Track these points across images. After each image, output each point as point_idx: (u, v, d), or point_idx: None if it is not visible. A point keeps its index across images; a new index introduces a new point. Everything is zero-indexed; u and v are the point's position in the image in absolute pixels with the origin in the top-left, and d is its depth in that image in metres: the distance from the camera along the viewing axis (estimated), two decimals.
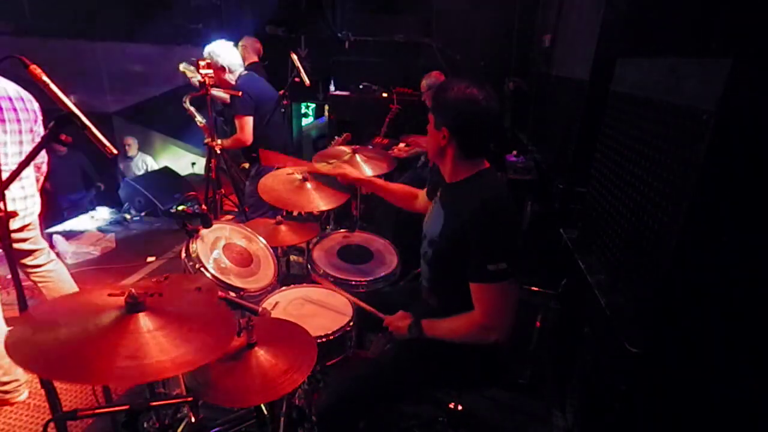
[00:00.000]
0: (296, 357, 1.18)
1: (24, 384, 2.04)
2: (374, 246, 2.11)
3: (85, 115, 1.23)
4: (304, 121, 6.28)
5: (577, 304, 1.80)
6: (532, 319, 2.18)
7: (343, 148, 2.48)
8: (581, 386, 1.80)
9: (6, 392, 1.99)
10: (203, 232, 1.65)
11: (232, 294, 1.51)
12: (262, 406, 1.34)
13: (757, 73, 0.88)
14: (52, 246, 2.33)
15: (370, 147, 3.41)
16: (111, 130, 6.00)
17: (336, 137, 3.64)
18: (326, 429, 1.39)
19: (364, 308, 1.56)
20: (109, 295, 1.03)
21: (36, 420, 1.97)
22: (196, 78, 3.18)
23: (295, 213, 2.32)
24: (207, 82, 2.84)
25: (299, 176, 2.07)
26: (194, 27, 5.30)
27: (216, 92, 3.18)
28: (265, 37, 4.33)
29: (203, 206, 2.29)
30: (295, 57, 2.84)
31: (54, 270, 2.24)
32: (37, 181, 2.11)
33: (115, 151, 1.34)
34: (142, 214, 4.43)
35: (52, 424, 1.25)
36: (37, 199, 2.10)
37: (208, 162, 3.16)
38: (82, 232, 3.91)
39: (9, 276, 1.26)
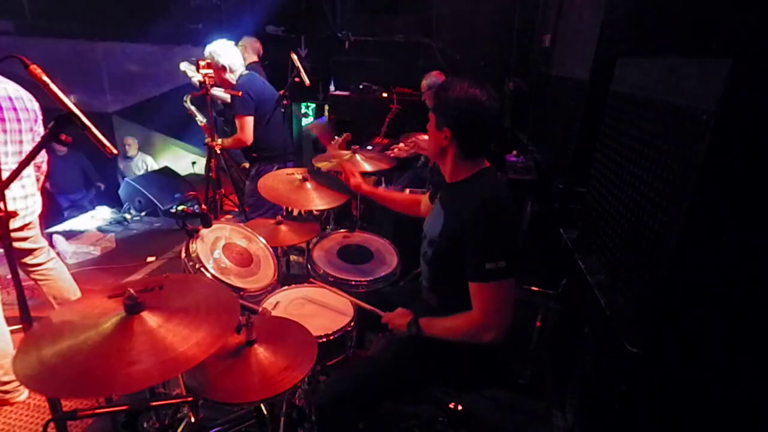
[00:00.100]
0: (296, 354, 1.18)
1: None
2: (374, 246, 2.11)
3: (85, 115, 1.24)
4: (304, 121, 6.28)
5: (577, 304, 1.80)
6: (532, 319, 2.18)
7: (341, 152, 2.49)
8: (581, 386, 1.79)
9: (6, 392, 1.99)
10: (203, 232, 1.65)
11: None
12: (262, 406, 1.34)
13: (757, 73, 0.88)
14: (52, 246, 2.32)
15: (370, 147, 3.42)
16: (111, 130, 6.01)
17: (336, 137, 3.65)
18: (326, 429, 1.39)
19: (363, 307, 1.56)
20: (110, 297, 1.03)
21: (36, 420, 1.97)
22: (196, 78, 3.18)
23: (295, 212, 2.32)
24: (207, 82, 2.85)
25: (299, 176, 2.07)
26: (194, 27, 5.30)
27: (216, 92, 3.18)
28: (265, 37, 4.33)
29: (203, 206, 2.30)
30: (295, 57, 2.84)
31: (54, 268, 2.24)
32: (38, 180, 2.12)
33: (115, 151, 1.34)
34: (142, 214, 4.43)
35: (52, 424, 1.25)
36: (38, 199, 2.10)
37: (208, 162, 3.16)
38: (82, 232, 3.91)
39: (9, 276, 1.26)
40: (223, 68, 2.90)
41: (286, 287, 1.75)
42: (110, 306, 1.01)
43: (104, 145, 1.30)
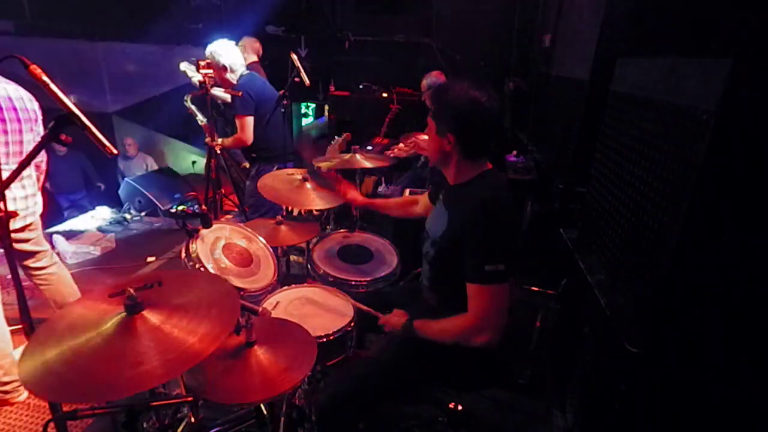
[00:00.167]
0: (296, 355, 1.18)
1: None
2: (374, 246, 2.11)
3: (85, 115, 1.23)
4: (304, 121, 6.28)
5: (577, 304, 1.80)
6: (532, 319, 2.18)
7: (340, 155, 2.49)
8: (581, 386, 1.79)
9: (6, 392, 1.99)
10: (203, 232, 1.65)
11: None
12: (262, 406, 1.34)
13: (757, 73, 0.88)
14: (52, 246, 2.32)
15: (370, 147, 3.42)
16: (111, 130, 6.01)
17: (336, 137, 3.65)
18: (326, 429, 1.39)
19: (360, 308, 1.56)
20: (110, 296, 1.02)
21: (36, 420, 1.97)
22: (196, 78, 3.18)
23: (295, 212, 2.32)
24: (207, 82, 2.85)
25: (299, 176, 2.07)
26: (194, 27, 5.30)
27: (216, 92, 3.18)
28: (265, 37, 4.33)
29: (203, 206, 2.30)
30: (295, 57, 2.84)
31: (56, 273, 2.24)
32: (37, 179, 2.12)
33: (115, 151, 1.34)
34: (142, 214, 4.43)
35: (52, 424, 1.25)
36: (39, 199, 2.10)
37: (209, 162, 3.17)
38: (82, 232, 3.91)
39: (9, 276, 1.26)
40: (224, 68, 2.90)
41: (286, 287, 1.75)
42: (110, 306, 1.00)
43: (104, 145, 1.30)
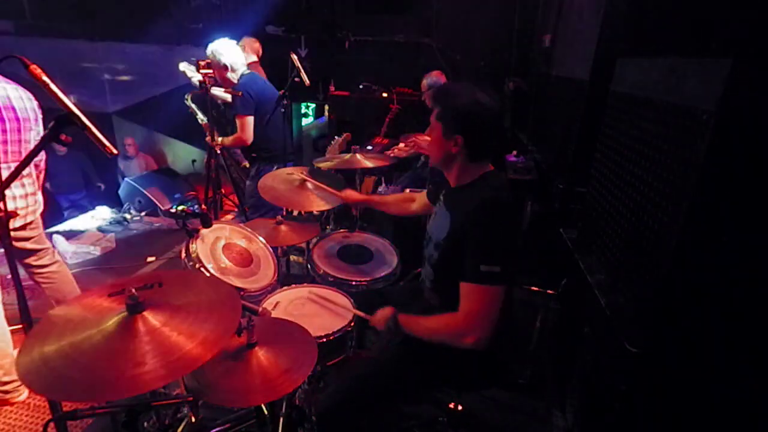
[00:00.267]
0: (296, 357, 1.18)
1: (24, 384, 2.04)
2: (374, 246, 2.11)
3: (85, 115, 1.24)
4: (304, 121, 6.28)
5: (577, 304, 1.80)
6: (532, 319, 2.18)
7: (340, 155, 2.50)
8: (581, 386, 1.79)
9: (6, 392, 1.99)
10: (203, 232, 1.65)
11: None
12: (262, 406, 1.34)
13: (757, 73, 0.88)
14: (52, 246, 2.33)
15: (370, 147, 3.42)
16: (111, 130, 6.01)
17: (336, 137, 3.65)
18: (326, 429, 1.39)
19: (357, 314, 1.55)
20: (110, 295, 1.02)
21: (36, 420, 1.97)
22: (196, 78, 3.18)
23: (295, 213, 2.32)
24: (207, 82, 2.85)
25: (299, 176, 2.07)
26: (194, 27, 5.30)
27: (216, 92, 3.18)
28: (265, 37, 4.33)
29: (203, 206, 2.30)
30: (295, 57, 2.84)
31: (58, 272, 2.25)
32: (37, 178, 2.12)
33: (115, 151, 1.34)
34: (142, 214, 4.43)
35: (52, 424, 1.25)
36: (39, 198, 2.10)
37: (209, 161, 3.17)
38: (82, 232, 3.91)
39: (9, 276, 1.26)
40: (225, 67, 2.90)
41: (286, 287, 1.75)
42: (111, 305, 1.00)
43: (104, 145, 1.30)
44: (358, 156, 2.33)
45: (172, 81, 5.31)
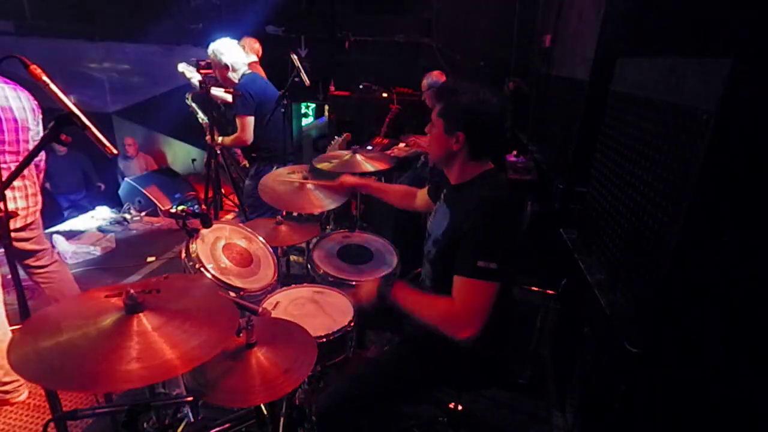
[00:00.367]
0: (296, 357, 1.18)
1: (24, 384, 2.05)
2: (374, 246, 2.11)
3: (85, 115, 1.24)
4: (304, 121, 6.28)
5: (577, 304, 1.80)
6: (532, 319, 2.18)
7: (340, 152, 2.49)
8: (581, 386, 1.80)
9: (6, 392, 1.99)
10: (203, 232, 1.65)
11: (232, 294, 1.51)
12: (262, 406, 1.34)
13: (757, 73, 0.88)
14: (51, 245, 2.33)
15: (370, 147, 3.42)
16: (111, 130, 6.01)
17: (336, 137, 3.65)
18: (326, 429, 1.39)
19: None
20: (107, 296, 1.03)
21: (36, 420, 1.97)
22: (195, 78, 3.18)
23: (295, 213, 2.32)
24: (207, 82, 2.85)
25: (299, 177, 2.07)
26: (194, 27, 5.30)
27: (216, 92, 3.18)
28: (265, 37, 4.33)
29: (203, 206, 2.30)
30: (295, 57, 2.84)
31: (57, 271, 2.25)
32: (37, 178, 2.12)
33: (115, 151, 1.34)
34: (142, 214, 4.44)
35: (52, 424, 1.25)
36: (39, 198, 2.10)
37: (209, 161, 3.17)
38: (82, 232, 3.91)
39: (9, 276, 1.26)
40: (226, 67, 2.90)
41: (286, 287, 1.75)
42: (110, 304, 1.01)
43: (104, 145, 1.30)
44: (358, 156, 2.33)
45: (172, 81, 5.31)
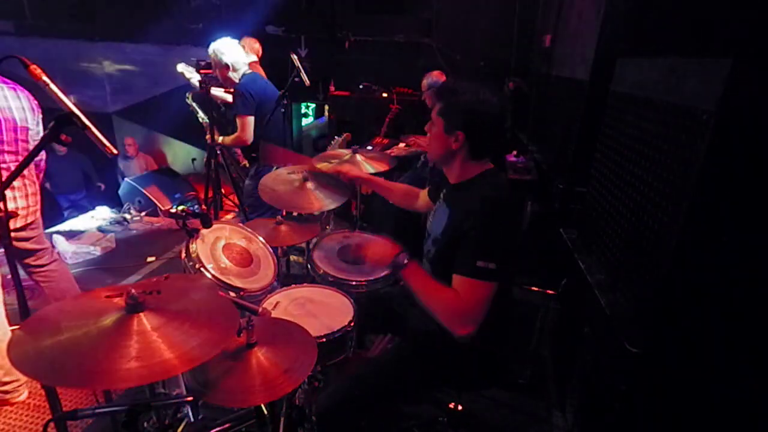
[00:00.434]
0: (296, 357, 1.18)
1: (24, 384, 2.05)
2: None
3: (85, 115, 1.24)
4: (304, 121, 6.28)
5: (577, 304, 1.80)
6: (532, 319, 2.17)
7: (341, 150, 2.49)
8: (581, 386, 1.80)
9: (6, 392, 1.99)
10: (203, 232, 1.65)
11: (232, 294, 1.51)
12: (262, 406, 1.34)
13: (757, 73, 0.88)
14: (51, 245, 2.33)
15: (370, 147, 3.42)
16: (111, 130, 6.02)
17: (336, 137, 3.65)
18: (326, 429, 1.39)
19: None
20: (107, 297, 1.03)
21: (36, 420, 1.97)
22: (195, 78, 3.19)
23: (295, 213, 2.32)
24: (207, 82, 2.85)
25: (299, 176, 2.07)
26: (194, 27, 5.31)
27: (216, 92, 3.18)
28: (265, 37, 4.33)
29: (203, 206, 2.30)
30: (295, 57, 2.85)
31: (57, 270, 2.25)
32: (37, 177, 2.12)
33: (115, 151, 1.34)
34: (142, 214, 4.44)
35: (52, 424, 1.25)
36: (39, 197, 2.10)
37: (209, 161, 3.17)
38: (82, 232, 3.91)
39: (9, 276, 1.26)
40: (227, 67, 2.90)
41: (286, 287, 1.75)
42: (111, 303, 1.01)
43: (104, 145, 1.30)
44: (358, 156, 2.33)
45: (172, 81, 5.31)
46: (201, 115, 3.44)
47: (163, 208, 4.41)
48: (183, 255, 1.57)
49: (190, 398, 1.20)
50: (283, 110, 2.90)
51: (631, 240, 1.30)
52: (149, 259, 3.53)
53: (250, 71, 3.03)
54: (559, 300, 2.14)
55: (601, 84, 1.69)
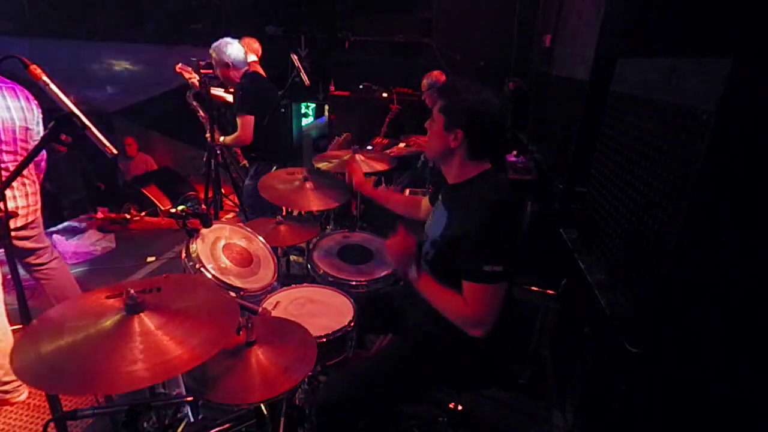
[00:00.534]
0: (296, 355, 1.18)
1: (24, 384, 2.05)
2: (374, 246, 2.11)
3: (85, 115, 1.24)
4: (304, 121, 6.28)
5: (577, 304, 1.80)
6: (532, 319, 2.17)
7: (340, 151, 2.49)
8: (581, 386, 1.80)
9: (6, 392, 2.00)
10: (203, 232, 1.65)
11: (232, 294, 1.51)
12: (262, 405, 1.34)
13: (757, 73, 0.88)
14: (52, 244, 2.33)
15: (370, 147, 3.42)
16: (111, 130, 6.01)
17: (336, 137, 3.65)
18: (326, 429, 1.39)
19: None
20: (107, 297, 1.03)
21: (36, 420, 1.97)
22: (194, 78, 3.19)
23: (294, 212, 2.32)
24: (206, 82, 2.85)
25: (299, 176, 2.07)
26: (194, 27, 5.31)
27: (216, 92, 3.18)
28: (265, 37, 4.33)
29: (203, 206, 2.30)
30: (295, 57, 2.84)
31: (57, 268, 2.26)
32: (37, 177, 2.12)
33: (115, 151, 1.34)
34: (142, 214, 4.44)
35: (52, 424, 1.25)
36: (39, 197, 2.11)
37: (209, 161, 3.17)
38: (82, 232, 3.91)
39: (10, 276, 1.26)
40: (227, 66, 2.90)
41: (286, 287, 1.75)
42: (111, 305, 1.01)
43: (104, 145, 1.30)
44: (358, 156, 2.33)
45: (172, 81, 5.30)
46: (202, 114, 3.44)
47: (163, 208, 4.41)
48: (183, 255, 1.57)
49: (190, 398, 1.20)
50: (283, 110, 2.90)
51: (631, 240, 1.30)
52: (149, 259, 3.53)
53: (250, 71, 3.03)
54: (559, 300, 2.14)
55: (601, 84, 1.69)
